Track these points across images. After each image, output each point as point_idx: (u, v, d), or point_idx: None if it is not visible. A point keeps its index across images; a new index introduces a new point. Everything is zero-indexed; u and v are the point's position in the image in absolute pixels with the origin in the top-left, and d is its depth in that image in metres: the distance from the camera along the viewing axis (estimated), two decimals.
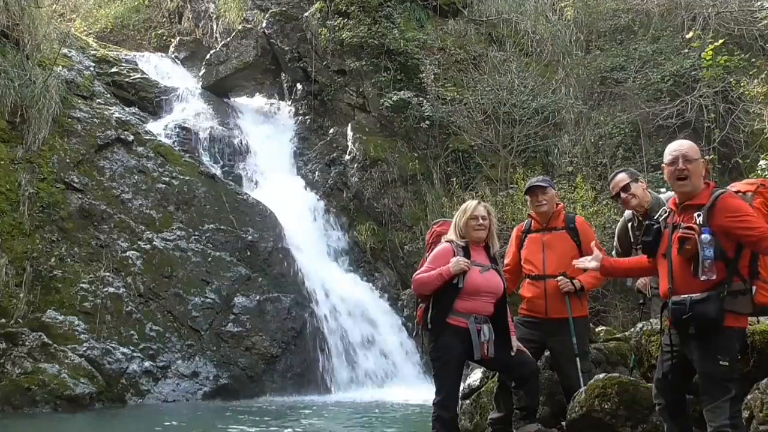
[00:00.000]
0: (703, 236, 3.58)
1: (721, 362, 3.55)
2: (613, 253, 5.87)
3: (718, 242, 3.59)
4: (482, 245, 4.87)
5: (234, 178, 13.86)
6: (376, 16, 14.55)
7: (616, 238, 5.81)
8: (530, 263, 5.31)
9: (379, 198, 13.26)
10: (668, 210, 3.95)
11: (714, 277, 3.58)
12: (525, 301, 5.34)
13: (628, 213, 5.69)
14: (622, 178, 5.45)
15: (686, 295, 3.65)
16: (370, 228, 13.16)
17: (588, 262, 4.31)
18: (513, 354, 4.79)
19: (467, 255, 4.74)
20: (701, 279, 3.58)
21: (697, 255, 3.59)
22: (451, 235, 4.89)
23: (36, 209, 11.05)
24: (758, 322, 4.20)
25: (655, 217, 4.06)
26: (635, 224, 5.53)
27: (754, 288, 3.69)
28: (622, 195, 5.40)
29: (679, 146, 3.85)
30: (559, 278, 5.12)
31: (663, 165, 3.91)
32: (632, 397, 4.44)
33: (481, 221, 4.82)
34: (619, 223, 5.87)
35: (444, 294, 4.69)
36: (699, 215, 3.66)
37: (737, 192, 3.84)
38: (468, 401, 5.79)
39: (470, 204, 4.93)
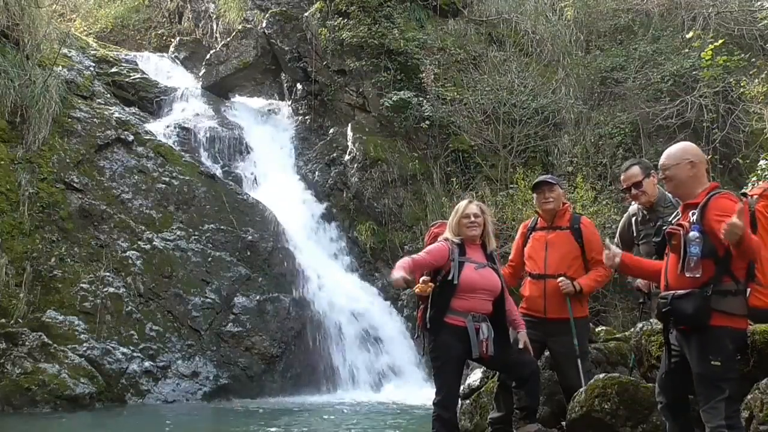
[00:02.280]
0: (691, 234, 3.60)
1: (712, 362, 3.54)
2: None
3: (708, 241, 3.59)
4: (478, 243, 4.88)
5: (234, 178, 13.86)
6: (376, 16, 14.55)
7: (618, 232, 5.77)
8: (532, 261, 5.31)
9: (379, 198, 13.26)
10: (680, 212, 3.99)
11: (699, 275, 3.58)
12: (524, 300, 5.35)
13: (633, 208, 5.67)
14: (635, 173, 5.37)
15: (671, 291, 3.69)
16: (370, 228, 13.15)
17: (607, 257, 4.15)
18: (512, 350, 4.79)
19: (463, 252, 4.77)
20: (687, 276, 3.59)
21: (683, 251, 3.62)
22: (447, 234, 4.92)
23: (36, 209, 11.05)
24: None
25: (668, 219, 4.09)
26: (639, 219, 5.51)
27: (749, 290, 3.69)
28: (633, 191, 5.38)
29: (662, 157, 3.96)
30: (560, 279, 5.11)
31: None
32: (632, 397, 4.44)
33: (473, 219, 4.83)
34: (623, 218, 5.84)
35: (441, 293, 4.70)
36: (693, 213, 3.69)
37: (744, 195, 3.87)
38: (468, 401, 5.79)
39: (462, 203, 4.98)
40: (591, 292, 5.34)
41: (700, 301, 3.58)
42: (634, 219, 5.58)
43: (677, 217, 3.94)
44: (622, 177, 5.57)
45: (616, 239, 5.72)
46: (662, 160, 3.94)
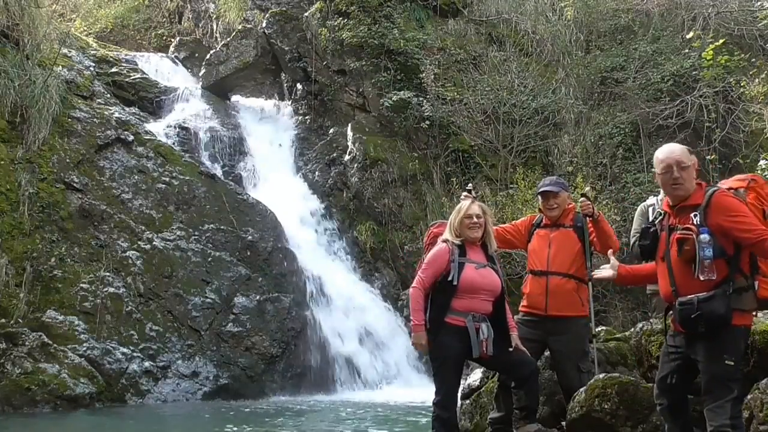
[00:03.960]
0: (701, 236, 3.56)
1: (726, 362, 3.53)
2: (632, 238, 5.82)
3: (716, 241, 3.58)
4: (479, 244, 4.87)
5: (234, 178, 13.87)
6: (376, 16, 14.54)
7: (635, 221, 5.71)
8: (535, 257, 5.32)
9: (379, 198, 13.26)
10: (662, 212, 3.93)
11: (714, 277, 3.56)
12: (525, 297, 5.35)
13: (650, 200, 5.66)
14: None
15: (693, 296, 3.62)
16: (370, 228, 13.16)
17: (604, 271, 4.28)
18: (511, 350, 4.79)
19: (463, 253, 4.75)
20: (701, 279, 3.57)
21: (696, 255, 3.58)
22: (447, 235, 4.89)
23: (36, 209, 11.05)
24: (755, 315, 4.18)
25: (651, 220, 4.05)
26: (657, 208, 5.47)
27: (756, 283, 3.69)
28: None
29: (670, 153, 3.77)
30: (582, 199, 5.20)
31: (655, 172, 3.85)
32: (632, 397, 4.43)
33: (475, 220, 4.82)
34: (638, 210, 5.80)
35: (441, 293, 4.70)
36: (695, 215, 3.65)
37: (729, 189, 3.82)
38: (468, 401, 5.78)
39: (464, 203, 4.95)
40: (605, 227, 5.23)
41: (726, 301, 3.55)
42: (651, 209, 5.56)
43: (660, 218, 3.89)
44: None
45: (634, 227, 5.63)
46: (678, 156, 3.75)
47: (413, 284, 4.82)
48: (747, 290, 3.63)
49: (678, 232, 3.69)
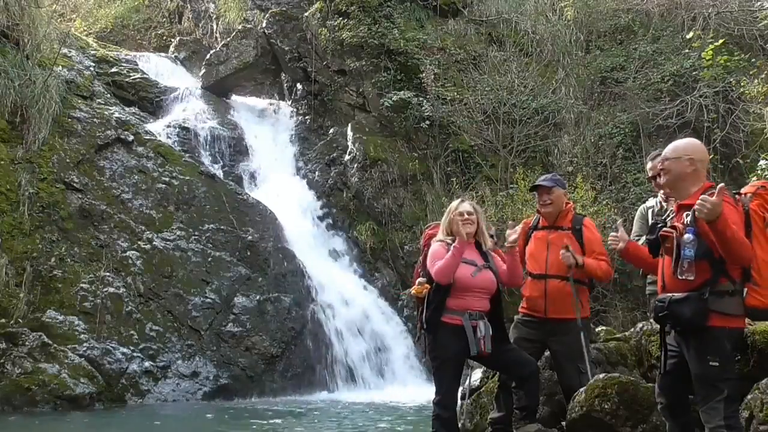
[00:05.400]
0: (685, 236, 3.56)
1: (710, 363, 3.53)
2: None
3: (703, 242, 3.56)
4: (472, 242, 4.87)
5: (234, 178, 13.87)
6: (376, 16, 14.55)
7: (635, 224, 5.74)
8: (534, 260, 5.28)
9: (379, 198, 13.27)
10: (674, 211, 3.95)
11: (692, 278, 3.55)
12: (525, 300, 5.33)
13: (650, 201, 5.68)
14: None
15: (669, 294, 3.66)
16: (370, 228, 13.16)
17: (615, 239, 4.23)
18: (510, 348, 4.80)
19: None
20: (679, 278, 3.57)
21: (674, 254, 3.59)
22: (440, 236, 4.89)
23: (36, 209, 11.05)
24: None
25: (663, 217, 4.06)
26: (656, 210, 5.47)
27: (745, 290, 3.68)
28: (659, 179, 5.31)
29: (665, 150, 3.93)
30: (562, 252, 5.03)
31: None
32: (632, 397, 4.43)
33: (467, 216, 4.83)
34: (639, 210, 5.81)
35: (436, 293, 4.70)
36: (687, 215, 3.66)
37: (737, 194, 3.83)
38: (468, 401, 5.77)
39: (455, 202, 4.98)
40: (591, 272, 5.13)
41: (698, 303, 3.55)
42: (650, 211, 5.57)
43: (671, 216, 3.92)
44: (648, 165, 5.48)
45: (634, 228, 5.66)
46: (664, 152, 3.91)
47: (433, 272, 4.72)
48: (732, 294, 3.60)
49: (664, 229, 3.73)
